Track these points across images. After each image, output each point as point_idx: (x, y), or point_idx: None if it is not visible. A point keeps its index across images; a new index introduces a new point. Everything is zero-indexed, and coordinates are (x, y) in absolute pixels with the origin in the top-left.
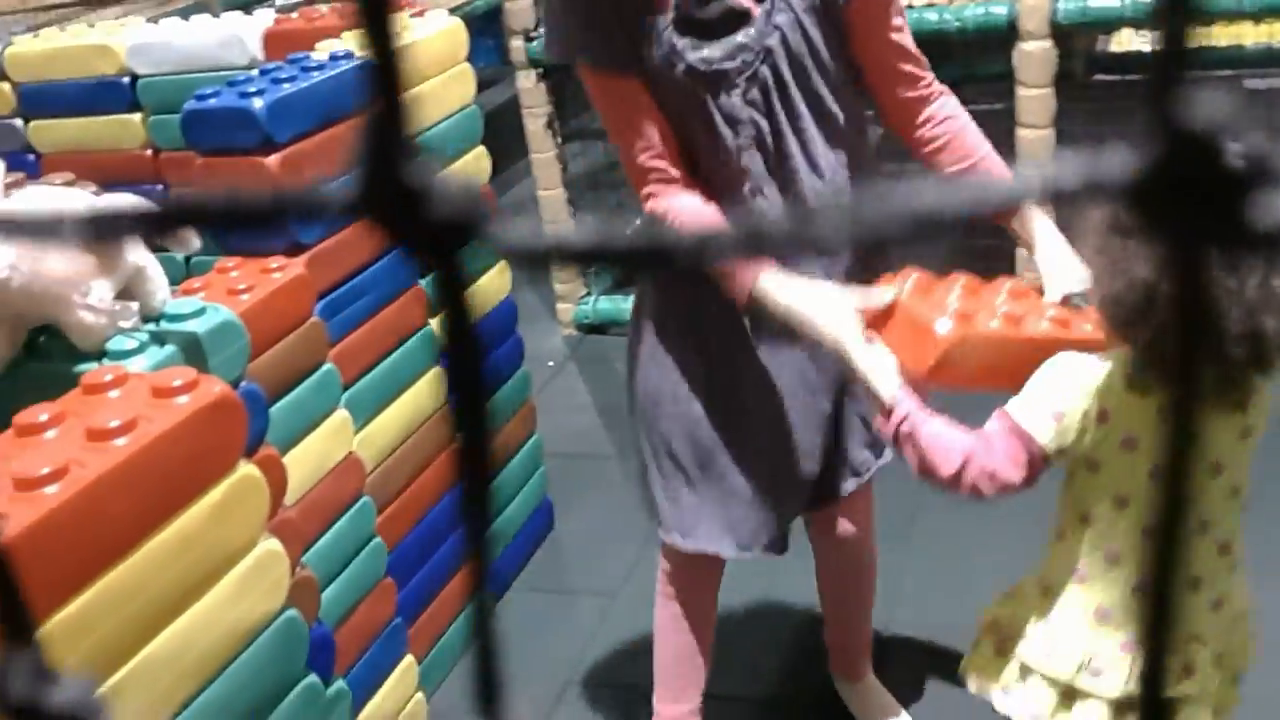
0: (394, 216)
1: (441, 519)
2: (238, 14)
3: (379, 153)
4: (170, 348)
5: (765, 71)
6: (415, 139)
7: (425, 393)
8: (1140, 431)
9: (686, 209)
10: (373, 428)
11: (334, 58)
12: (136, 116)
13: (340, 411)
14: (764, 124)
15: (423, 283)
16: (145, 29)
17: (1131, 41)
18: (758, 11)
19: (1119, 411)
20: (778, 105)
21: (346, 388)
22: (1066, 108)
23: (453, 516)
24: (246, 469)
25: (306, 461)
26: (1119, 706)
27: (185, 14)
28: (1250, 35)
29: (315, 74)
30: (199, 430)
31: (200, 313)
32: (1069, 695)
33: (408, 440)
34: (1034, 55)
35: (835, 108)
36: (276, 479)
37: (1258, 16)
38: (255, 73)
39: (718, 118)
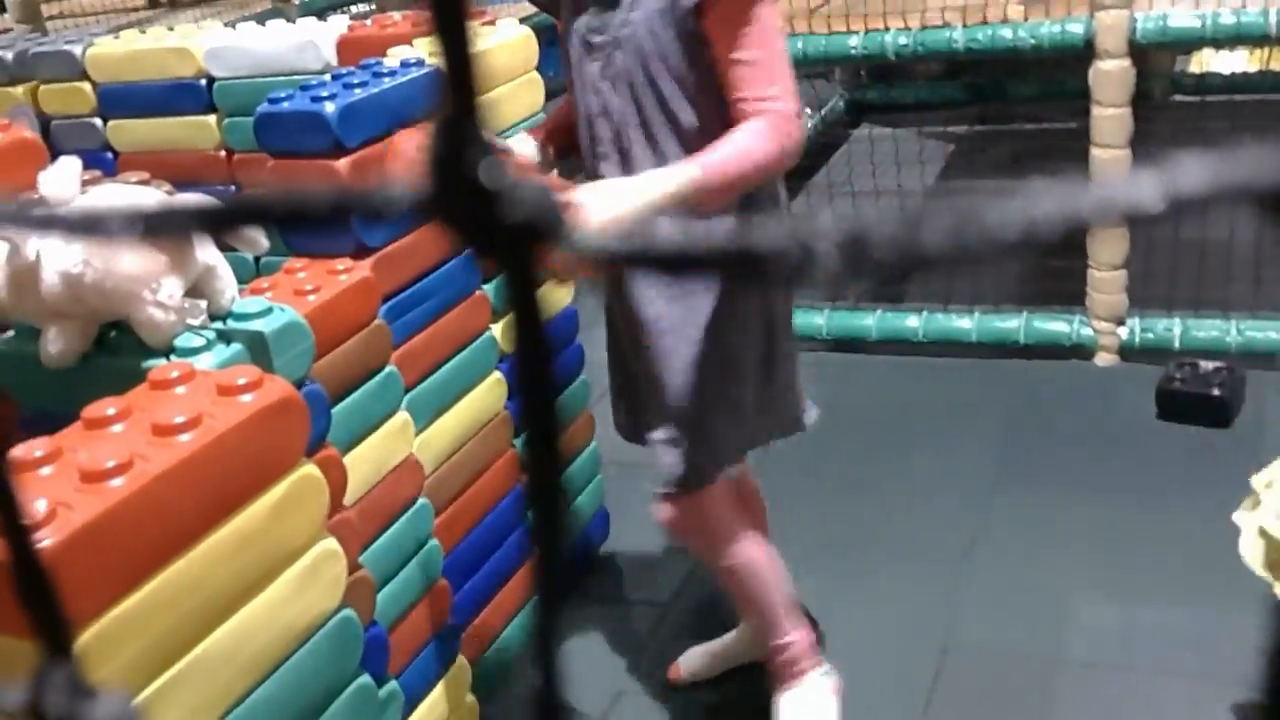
0: (468, 218)
1: (499, 523)
2: (313, 20)
3: (452, 154)
4: (236, 346)
5: (619, 57)
6: (488, 140)
7: (485, 397)
8: None
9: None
10: (432, 431)
11: (405, 64)
12: (211, 118)
13: (401, 414)
14: (613, 101)
15: (486, 288)
16: (222, 33)
17: (1211, 62)
18: (624, 2)
19: None
20: (627, 91)
21: (408, 390)
22: (1143, 128)
23: (509, 520)
24: (307, 468)
25: (366, 462)
26: None
27: (262, 19)
28: None
29: (386, 80)
30: (262, 429)
31: (267, 312)
32: None
33: (467, 444)
34: (1111, 74)
35: (683, 111)
36: (336, 479)
37: None
38: (327, 77)
39: (579, 80)
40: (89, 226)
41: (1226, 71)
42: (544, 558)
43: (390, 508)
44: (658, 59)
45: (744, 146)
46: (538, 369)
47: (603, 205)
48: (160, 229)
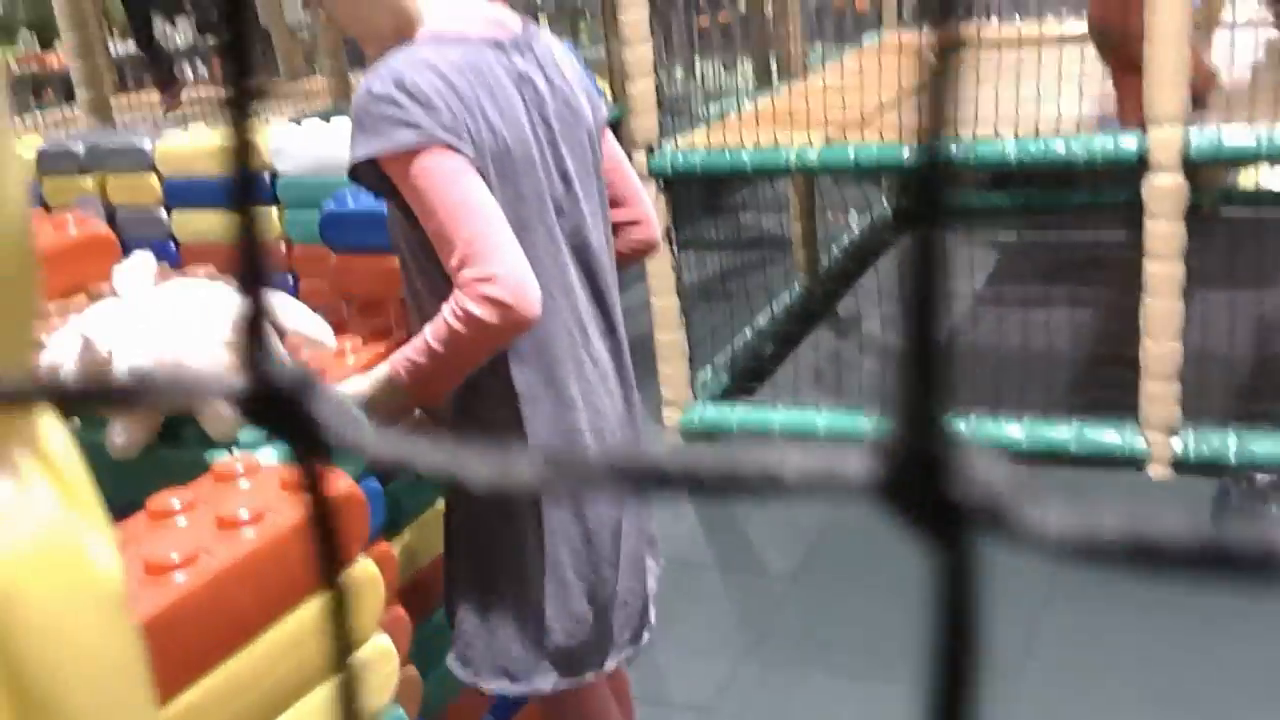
0: (914, 490)
1: None
2: None
3: (907, 420)
4: None
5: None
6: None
7: None
8: None
9: None
10: None
11: None
12: (273, 211)
13: (441, 503)
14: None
15: None
16: (288, 129)
17: (1263, 176)
18: None
19: None
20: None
21: None
22: (1195, 243)
23: None
24: (365, 565)
25: (411, 550)
26: None
27: (325, 115)
28: None
29: None
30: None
31: None
32: None
33: None
34: (1164, 188)
35: (418, 280)
36: (390, 575)
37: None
38: None
39: None
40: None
41: (1279, 188)
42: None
43: (433, 598)
44: (395, 227)
45: (431, 333)
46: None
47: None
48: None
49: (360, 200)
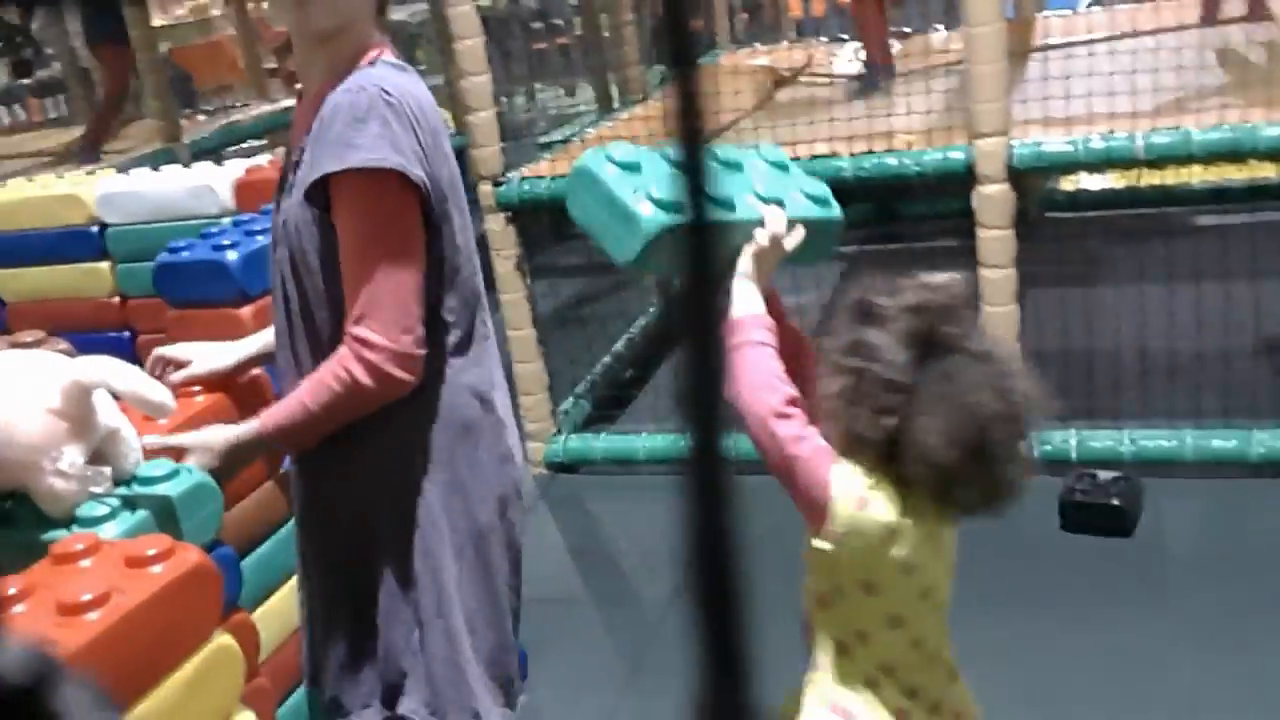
0: None
1: None
2: (208, 164)
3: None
4: (143, 512)
5: (279, 249)
6: None
7: None
8: (918, 557)
9: None
10: None
11: None
12: (105, 265)
13: None
14: (277, 294)
15: None
16: (115, 179)
17: (1081, 180)
18: (289, 184)
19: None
20: (280, 287)
21: None
22: (1023, 247)
23: None
24: (221, 639)
25: (275, 619)
26: None
27: (154, 162)
28: (1198, 175)
29: None
30: (174, 602)
31: (173, 475)
32: None
33: None
34: (993, 198)
35: (320, 312)
36: (250, 646)
37: (1206, 160)
38: (228, 224)
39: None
40: None
41: (1096, 188)
42: None
43: (302, 664)
44: (302, 252)
45: (309, 394)
46: None
47: (198, 460)
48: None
49: (197, 249)
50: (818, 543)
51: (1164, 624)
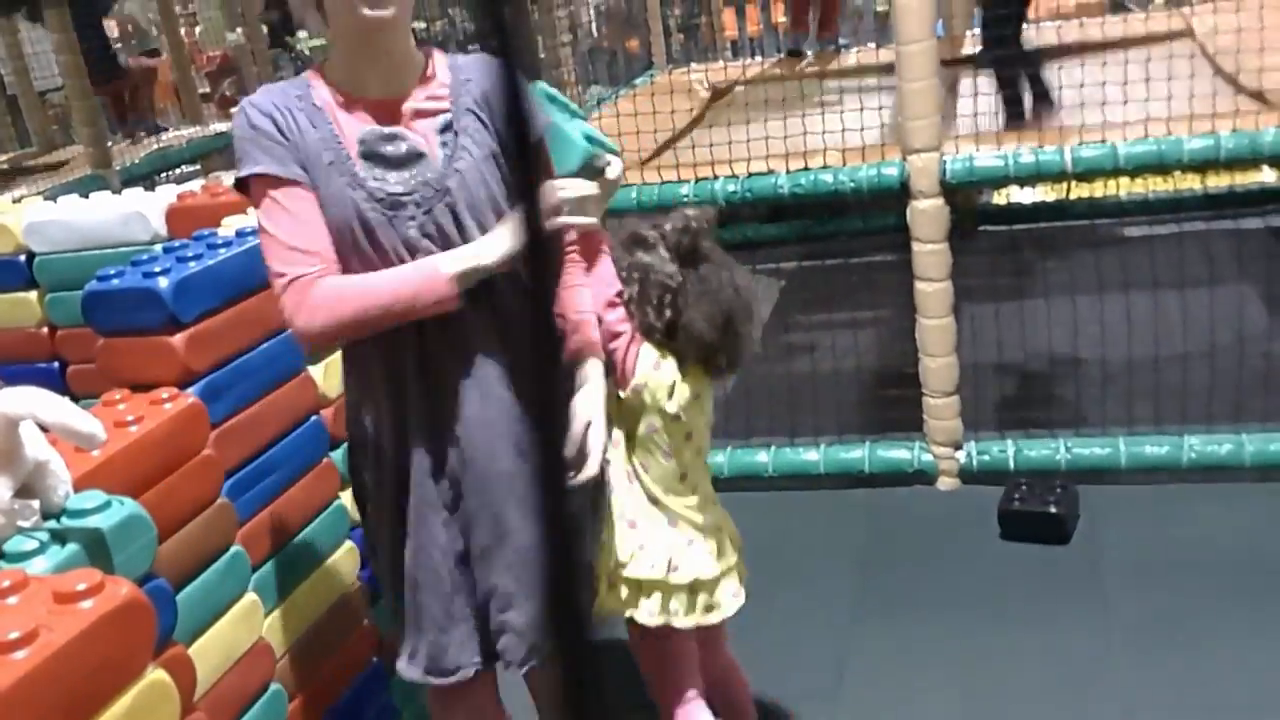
0: None
1: (356, 704)
2: (139, 190)
3: None
4: (73, 546)
5: (442, 209)
6: None
7: (338, 568)
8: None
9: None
10: (284, 609)
11: (240, 234)
12: (33, 294)
13: (249, 595)
14: (437, 252)
15: (334, 455)
16: (43, 207)
17: (1013, 193)
18: (439, 155)
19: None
20: (455, 239)
21: (255, 568)
22: (958, 260)
23: (370, 695)
24: (155, 675)
25: (214, 651)
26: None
27: (83, 189)
28: (1125, 188)
29: (221, 251)
30: (105, 637)
31: (104, 507)
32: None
33: (320, 619)
34: (927, 212)
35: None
36: (186, 680)
37: (1132, 173)
38: (159, 250)
39: (390, 240)
40: None
41: (1028, 201)
42: None
43: (241, 697)
44: (488, 204)
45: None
46: None
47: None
48: None
49: (127, 276)
50: (622, 394)
51: (1102, 628)
